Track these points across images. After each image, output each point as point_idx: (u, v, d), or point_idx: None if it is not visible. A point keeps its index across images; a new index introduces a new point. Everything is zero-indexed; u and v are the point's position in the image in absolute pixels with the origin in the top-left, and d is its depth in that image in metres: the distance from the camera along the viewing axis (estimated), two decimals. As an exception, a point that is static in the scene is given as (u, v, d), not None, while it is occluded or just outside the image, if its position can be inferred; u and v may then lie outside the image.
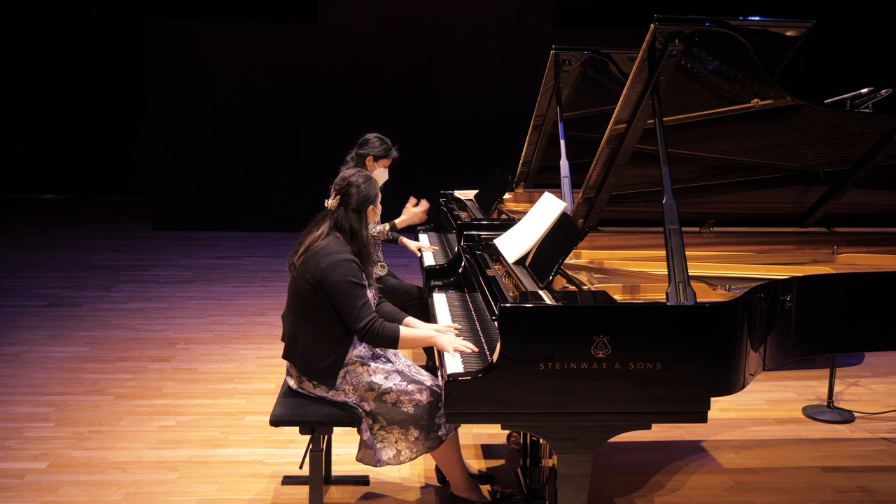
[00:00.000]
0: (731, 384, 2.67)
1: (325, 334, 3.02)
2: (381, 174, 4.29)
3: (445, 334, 2.98)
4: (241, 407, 4.42)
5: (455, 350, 2.84)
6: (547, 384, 2.48)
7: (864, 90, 3.93)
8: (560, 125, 4.59)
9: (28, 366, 5.01)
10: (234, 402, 4.48)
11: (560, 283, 2.98)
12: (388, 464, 3.06)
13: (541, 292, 2.81)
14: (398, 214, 4.49)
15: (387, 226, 4.40)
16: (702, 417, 2.57)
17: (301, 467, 3.33)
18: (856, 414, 4.40)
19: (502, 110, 9.82)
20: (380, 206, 3.22)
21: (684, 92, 2.99)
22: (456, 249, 3.95)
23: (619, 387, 2.50)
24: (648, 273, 3.23)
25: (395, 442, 3.06)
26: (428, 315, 3.66)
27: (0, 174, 12.19)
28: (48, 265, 7.84)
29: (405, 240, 4.69)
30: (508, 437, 3.94)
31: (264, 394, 4.60)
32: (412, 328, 3.10)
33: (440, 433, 3.08)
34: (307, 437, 3.05)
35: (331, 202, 3.09)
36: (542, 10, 9.82)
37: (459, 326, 3.14)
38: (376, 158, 4.31)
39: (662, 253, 2.82)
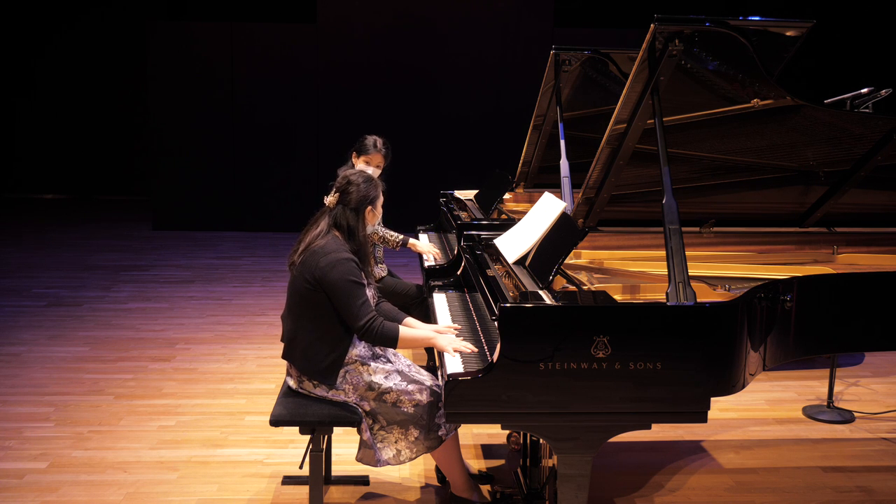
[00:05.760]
0: (731, 384, 2.67)
1: (324, 334, 3.02)
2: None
3: (445, 335, 2.98)
4: (241, 407, 4.42)
5: (455, 350, 2.84)
6: (547, 384, 2.48)
7: (864, 90, 3.93)
8: (560, 125, 4.59)
9: (28, 366, 5.01)
10: (234, 402, 4.48)
11: (560, 283, 2.98)
12: (388, 464, 3.06)
13: (541, 292, 2.81)
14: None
15: (400, 237, 4.41)
16: (702, 417, 2.57)
17: (301, 467, 3.33)
18: (856, 414, 4.40)
19: (502, 110, 9.82)
20: (380, 209, 3.21)
21: (684, 92, 2.98)
22: (456, 249, 3.94)
23: (619, 387, 2.50)
24: (648, 273, 3.23)
25: (395, 442, 3.06)
26: (428, 315, 3.66)
27: (0, 174, 12.19)
28: (48, 265, 7.84)
29: (413, 241, 4.60)
30: (508, 437, 3.94)
31: (264, 394, 4.60)
32: (412, 328, 3.10)
33: (440, 433, 3.07)
34: (307, 437, 3.05)
35: (330, 198, 3.10)
36: (542, 10, 9.81)
37: (459, 327, 3.14)
38: (358, 154, 4.32)
39: (662, 253, 2.82)
